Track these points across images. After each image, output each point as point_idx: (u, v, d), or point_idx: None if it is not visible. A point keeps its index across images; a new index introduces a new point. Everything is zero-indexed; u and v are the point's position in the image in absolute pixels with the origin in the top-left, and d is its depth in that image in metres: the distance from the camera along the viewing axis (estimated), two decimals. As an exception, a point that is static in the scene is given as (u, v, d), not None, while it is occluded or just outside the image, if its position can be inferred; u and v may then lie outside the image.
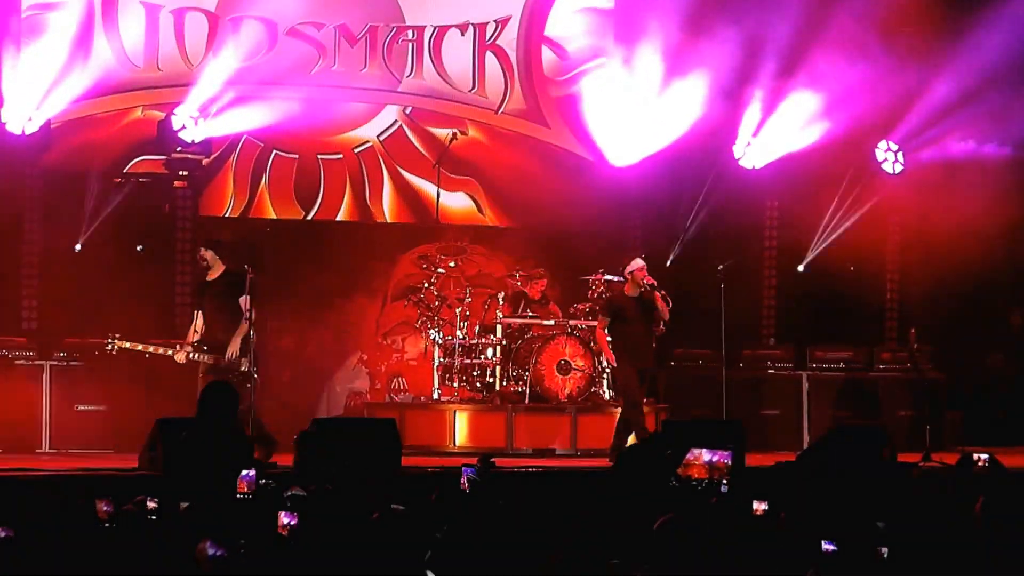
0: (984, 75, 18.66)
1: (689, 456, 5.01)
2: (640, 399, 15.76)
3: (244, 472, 8.94)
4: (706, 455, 5.04)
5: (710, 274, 17.23)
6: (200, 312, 14.69)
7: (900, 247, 20.28)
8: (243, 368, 14.46)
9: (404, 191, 19.20)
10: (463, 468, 9.08)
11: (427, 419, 16.94)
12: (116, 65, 17.86)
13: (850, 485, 13.02)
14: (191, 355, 14.50)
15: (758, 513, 8.59)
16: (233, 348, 14.46)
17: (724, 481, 5.10)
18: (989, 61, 18.49)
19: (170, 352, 14.59)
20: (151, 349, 14.82)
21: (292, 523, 7.24)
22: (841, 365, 18.53)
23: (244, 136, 18.46)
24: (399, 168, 19.17)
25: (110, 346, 14.80)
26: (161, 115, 17.87)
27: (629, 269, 15.98)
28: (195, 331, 14.64)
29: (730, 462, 5.07)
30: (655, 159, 19.23)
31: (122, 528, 7.46)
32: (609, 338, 15.94)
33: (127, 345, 14.80)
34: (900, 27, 19.67)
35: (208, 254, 14.71)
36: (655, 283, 15.85)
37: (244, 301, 14.55)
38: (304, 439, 13.14)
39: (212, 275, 14.72)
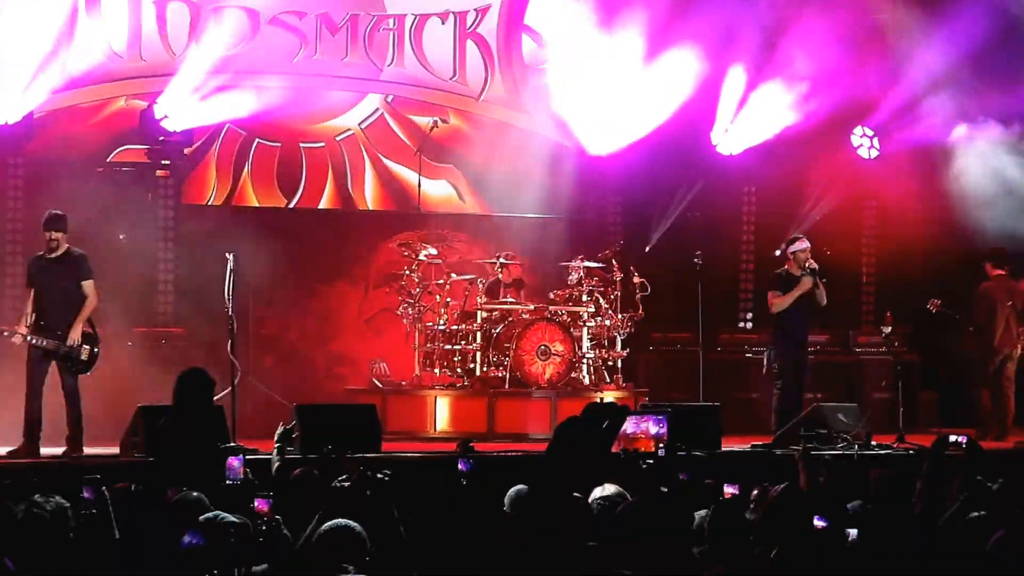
0: (958, 60, 18.80)
1: (636, 430, 5.15)
2: (793, 383, 16.05)
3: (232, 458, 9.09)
4: (652, 427, 5.18)
5: (688, 259, 17.40)
6: (33, 292, 14.25)
7: (876, 231, 20.47)
8: (83, 357, 14.18)
9: (386, 179, 19.31)
10: (459, 461, 9.10)
11: (408, 404, 17.08)
12: (99, 55, 17.90)
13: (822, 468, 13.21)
14: (28, 338, 14.08)
15: (727, 496, 8.78)
16: (75, 334, 14.13)
17: (660, 446, 5.26)
18: (963, 46, 18.62)
19: (5, 334, 14.19)
20: None
21: (266, 510, 7.38)
22: (818, 348, 18.69)
23: (226, 125, 18.54)
24: (381, 156, 19.29)
25: None
26: (144, 104, 17.95)
27: (792, 249, 16.20)
28: (29, 312, 14.18)
29: (665, 428, 5.20)
30: (634, 147, 19.35)
31: (104, 516, 7.58)
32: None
33: None
34: (876, 12, 19.82)
35: (59, 235, 14.21)
36: (816, 267, 16.10)
37: (88, 285, 14.27)
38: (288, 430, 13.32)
39: (53, 254, 14.28)
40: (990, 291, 17.41)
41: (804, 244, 16.38)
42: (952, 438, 9.84)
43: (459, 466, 8.88)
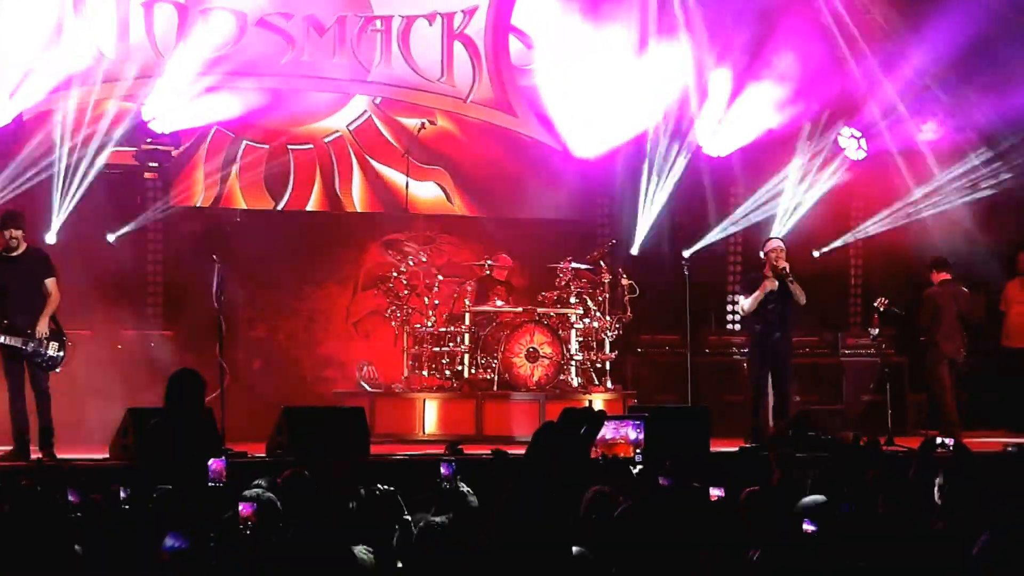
0: (944, 61, 18.84)
1: (615, 435, 5.15)
2: (758, 382, 16.11)
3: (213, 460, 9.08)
4: (631, 433, 5.19)
5: (676, 261, 17.43)
6: None
7: (863, 233, 20.48)
8: (51, 352, 14.07)
9: (374, 180, 19.30)
10: (442, 463, 9.09)
11: (396, 407, 17.07)
12: (86, 57, 17.86)
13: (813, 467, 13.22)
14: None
15: (713, 499, 8.80)
16: (42, 327, 14.00)
17: (638, 452, 5.26)
18: (949, 47, 18.66)
19: None
20: None
21: (250, 515, 7.37)
22: (806, 350, 18.71)
23: (214, 127, 18.52)
24: (369, 158, 19.28)
25: None
26: (131, 107, 17.94)
27: (764, 250, 16.36)
28: None
29: (642, 434, 5.21)
30: (622, 148, 19.38)
31: (91, 517, 7.58)
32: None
33: None
34: (862, 13, 19.85)
35: (19, 233, 14.09)
36: (786, 267, 16.09)
37: (51, 283, 14.16)
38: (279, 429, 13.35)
39: (14, 253, 14.15)
40: (935, 295, 17.39)
41: (774, 244, 16.42)
42: (939, 440, 9.87)
43: (441, 469, 8.86)
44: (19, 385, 14.07)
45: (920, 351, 17.73)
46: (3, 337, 13.95)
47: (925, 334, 17.43)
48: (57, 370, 14.18)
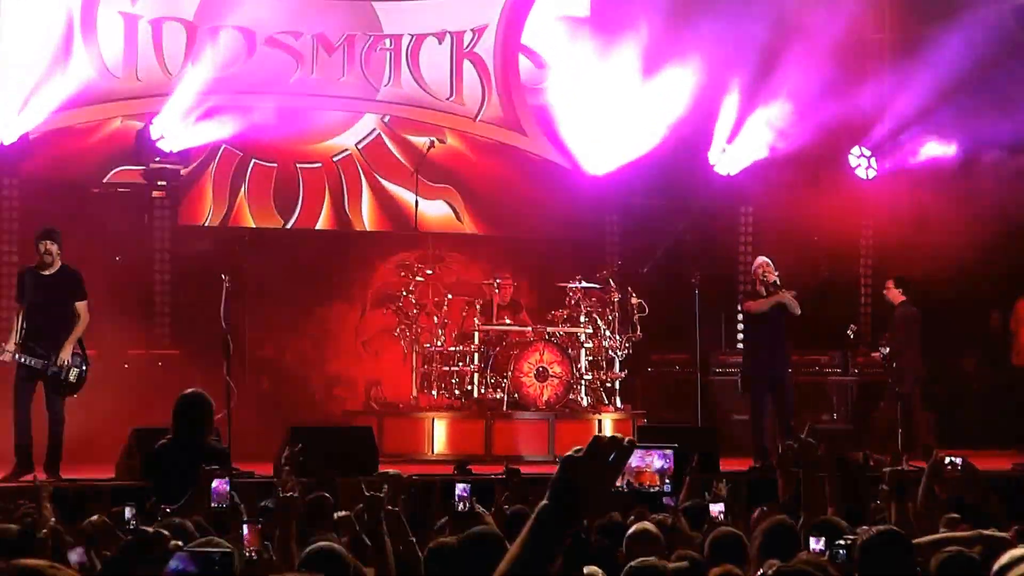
0: (954, 80, 18.80)
1: (639, 463, 5.08)
2: (757, 401, 16.06)
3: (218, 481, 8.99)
4: (657, 461, 5.13)
5: (686, 280, 17.36)
6: (24, 308, 13.91)
7: (874, 252, 20.43)
8: (72, 378, 13.89)
9: (383, 199, 19.28)
10: (457, 485, 8.95)
11: (405, 427, 17.01)
12: (95, 75, 17.88)
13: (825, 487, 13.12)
14: (16, 356, 13.72)
15: (716, 516, 8.74)
16: (65, 354, 13.80)
17: (667, 482, 5.19)
18: (958, 66, 18.62)
19: None
20: None
21: (254, 537, 7.30)
22: (815, 369, 18.63)
23: (223, 145, 18.50)
24: (378, 176, 19.25)
25: None
26: (140, 125, 17.94)
27: (753, 268, 16.34)
28: (19, 329, 13.81)
29: (672, 464, 5.14)
30: (631, 167, 19.35)
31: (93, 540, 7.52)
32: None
33: None
34: (872, 33, 19.84)
35: (54, 247, 13.88)
36: (775, 280, 16.01)
37: (82, 306, 13.96)
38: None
39: (48, 271, 13.96)
40: (908, 316, 17.26)
41: (759, 260, 16.40)
42: (948, 459, 9.78)
43: (457, 490, 8.74)
44: (28, 403, 13.88)
45: (895, 372, 17.48)
46: (23, 357, 13.78)
47: (896, 356, 17.25)
48: (75, 395, 14.05)
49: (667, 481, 5.21)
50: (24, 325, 13.85)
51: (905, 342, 17.31)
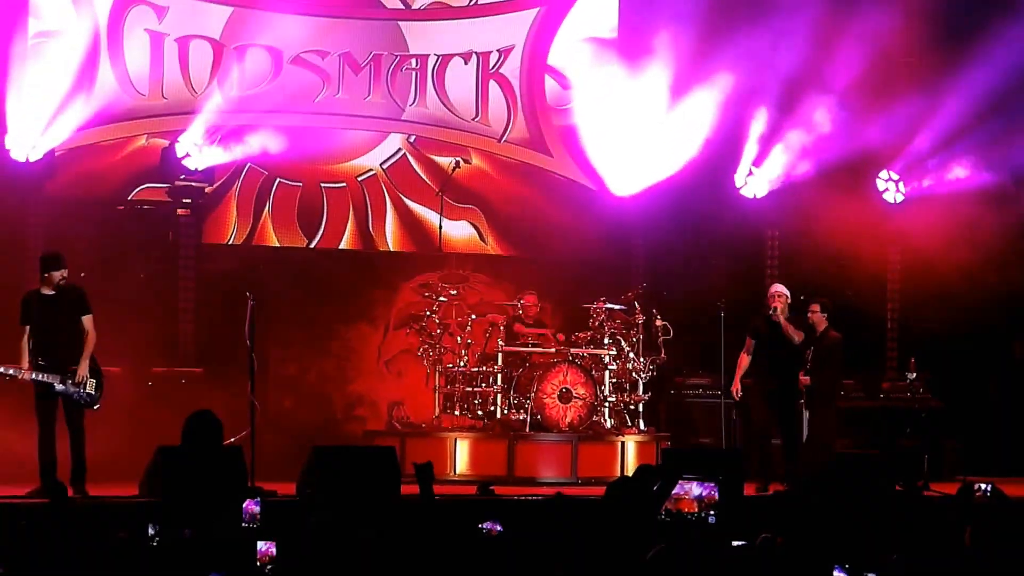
0: (983, 105, 18.73)
1: (679, 490, 5.01)
2: (760, 424, 16.07)
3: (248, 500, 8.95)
4: (695, 489, 5.06)
5: (711, 302, 17.29)
6: (30, 329, 14.03)
7: (900, 276, 20.34)
8: (89, 390, 14.07)
9: (407, 219, 19.25)
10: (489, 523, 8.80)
11: (428, 447, 16.93)
12: (120, 93, 17.91)
13: (850, 514, 13.05)
14: (34, 376, 13.90)
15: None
16: (83, 370, 14.01)
17: (712, 512, 5.11)
18: (987, 90, 18.55)
19: (11, 372, 13.89)
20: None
21: (270, 552, 7.27)
22: (842, 394, 18.52)
23: (248, 164, 18.49)
24: (402, 196, 19.22)
25: None
26: (165, 143, 17.94)
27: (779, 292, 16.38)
28: (28, 349, 13.97)
29: (717, 494, 5.07)
30: (657, 188, 19.31)
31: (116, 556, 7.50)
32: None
33: None
34: (902, 57, 19.77)
35: (66, 273, 14.11)
36: (775, 309, 16.12)
37: (87, 320, 14.14)
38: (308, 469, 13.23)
39: (49, 290, 14.10)
40: (839, 341, 17.03)
41: (773, 288, 16.50)
42: (978, 486, 9.71)
43: (486, 526, 8.51)
44: (51, 422, 14.01)
45: (819, 398, 17.22)
46: (40, 375, 13.90)
47: (830, 383, 17.01)
48: (95, 407, 14.14)
49: (711, 511, 5.16)
50: (32, 345, 14.02)
51: (840, 369, 17.15)
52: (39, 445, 13.94)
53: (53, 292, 14.10)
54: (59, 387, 13.95)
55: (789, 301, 16.35)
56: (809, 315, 17.07)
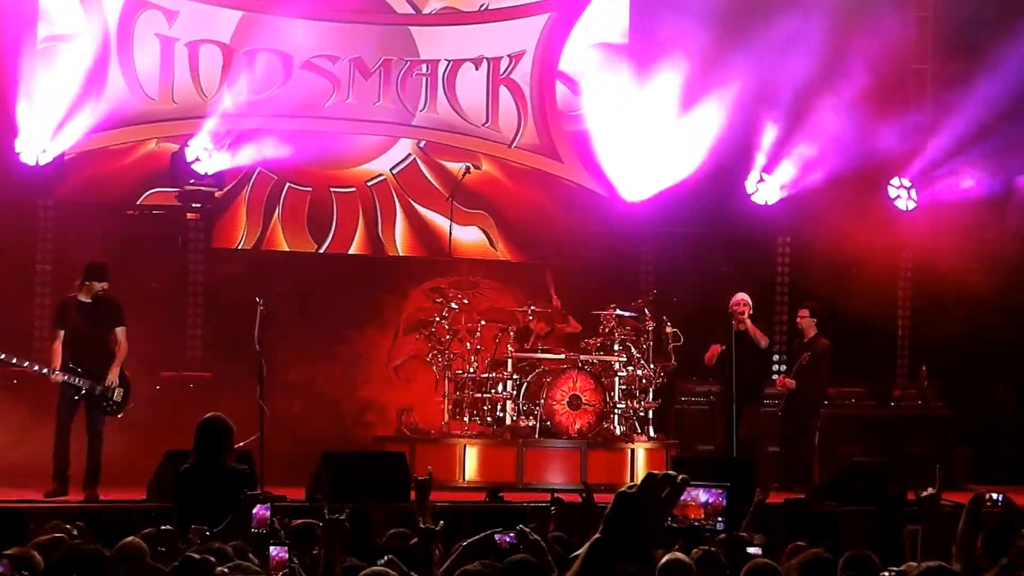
0: (995, 112, 18.69)
1: (685, 496, 4.96)
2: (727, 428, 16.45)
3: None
4: (702, 495, 5.02)
5: (722, 309, 17.25)
6: (64, 334, 14.20)
7: (911, 284, 20.29)
8: (116, 398, 14.25)
9: (417, 225, 19.22)
10: (495, 535, 8.67)
11: (437, 453, 16.88)
12: (130, 97, 17.91)
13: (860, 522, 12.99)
14: (67, 378, 14.06)
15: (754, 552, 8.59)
16: (112, 379, 14.21)
17: (720, 520, 5.08)
18: (1000, 98, 18.52)
19: (44, 371, 14.11)
20: (25, 364, 14.35)
21: (283, 557, 7.22)
22: (852, 401, 18.47)
23: (257, 168, 18.48)
24: (412, 201, 19.19)
25: None
26: (175, 147, 17.93)
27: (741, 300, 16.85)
28: (61, 352, 14.12)
29: (724, 501, 5.03)
30: (668, 194, 19.28)
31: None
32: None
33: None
34: (914, 64, 19.74)
35: (106, 285, 14.30)
36: (737, 315, 16.64)
37: (122, 332, 14.32)
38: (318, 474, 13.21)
39: (86, 297, 14.27)
40: (829, 349, 16.96)
41: (736, 296, 17.00)
42: (989, 496, 9.66)
43: (496, 538, 8.36)
44: (70, 423, 14.19)
45: (801, 406, 17.17)
46: (71, 377, 14.06)
47: (815, 391, 16.96)
48: (119, 415, 14.32)
49: (719, 518, 5.12)
50: (65, 351, 14.17)
51: (829, 377, 17.10)
52: (55, 446, 14.08)
53: (90, 300, 14.27)
54: (87, 390, 14.11)
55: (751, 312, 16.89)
56: (798, 319, 17.08)
